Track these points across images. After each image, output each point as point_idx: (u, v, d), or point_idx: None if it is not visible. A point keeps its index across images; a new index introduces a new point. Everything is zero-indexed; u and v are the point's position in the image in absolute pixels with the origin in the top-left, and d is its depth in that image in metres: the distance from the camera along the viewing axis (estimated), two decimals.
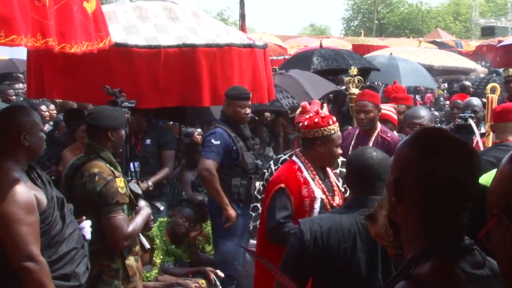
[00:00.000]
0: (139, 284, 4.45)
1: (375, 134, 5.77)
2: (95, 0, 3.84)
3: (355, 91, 6.79)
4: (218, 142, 5.84)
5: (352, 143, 5.76)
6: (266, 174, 5.52)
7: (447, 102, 14.97)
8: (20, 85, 11.57)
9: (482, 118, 7.32)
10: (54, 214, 3.52)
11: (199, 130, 8.53)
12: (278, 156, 5.85)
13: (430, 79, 13.13)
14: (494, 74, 15.96)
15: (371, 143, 5.57)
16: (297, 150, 4.59)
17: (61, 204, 3.62)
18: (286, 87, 8.81)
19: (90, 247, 3.85)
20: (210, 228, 6.26)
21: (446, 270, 1.65)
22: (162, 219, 5.98)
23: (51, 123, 9.23)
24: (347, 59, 10.43)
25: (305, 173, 4.27)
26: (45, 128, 7.65)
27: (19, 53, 10.16)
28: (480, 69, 16.22)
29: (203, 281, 5.62)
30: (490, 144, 5.82)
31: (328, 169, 4.50)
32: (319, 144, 4.29)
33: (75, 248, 3.62)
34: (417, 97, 15.91)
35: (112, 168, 4.20)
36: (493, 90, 6.65)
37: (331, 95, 10.24)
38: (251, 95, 6.03)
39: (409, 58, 13.59)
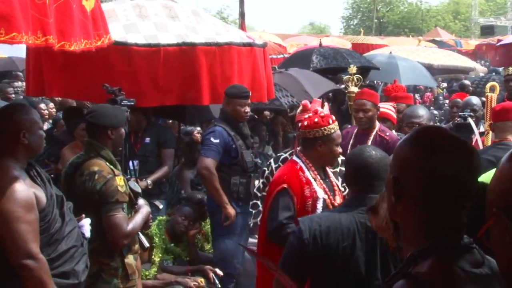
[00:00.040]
0: (138, 283, 4.46)
1: (374, 133, 5.77)
2: None
3: (354, 89, 6.80)
4: (218, 141, 5.84)
5: (351, 142, 5.75)
6: (267, 172, 5.52)
7: (447, 101, 14.98)
8: (20, 83, 11.57)
9: (481, 117, 7.32)
10: (53, 212, 3.52)
11: (198, 128, 8.53)
12: (279, 154, 5.84)
13: (429, 78, 13.14)
14: (494, 73, 15.95)
15: (369, 142, 5.55)
16: (297, 150, 4.57)
17: (60, 202, 3.63)
18: (285, 85, 8.81)
19: (90, 245, 3.85)
20: (209, 226, 6.26)
21: (445, 268, 1.66)
22: (161, 217, 5.98)
23: (51, 121, 9.24)
24: (346, 58, 10.44)
25: (307, 173, 4.24)
26: (44, 127, 7.66)
27: (19, 51, 10.15)
28: (479, 68, 16.23)
29: (202, 279, 5.62)
30: (489, 143, 5.82)
31: (327, 169, 4.50)
32: (320, 144, 4.28)
33: (74, 246, 3.62)
34: (417, 96, 15.91)
35: (112, 167, 4.20)
36: (492, 89, 6.65)
37: (330, 94, 10.24)
38: (250, 94, 6.03)
39: (409, 57, 13.59)
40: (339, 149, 4.39)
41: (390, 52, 13.70)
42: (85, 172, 4.15)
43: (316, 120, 4.29)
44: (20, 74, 12.28)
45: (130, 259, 4.28)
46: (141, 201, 4.47)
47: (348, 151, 5.10)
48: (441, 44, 26.02)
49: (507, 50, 15.68)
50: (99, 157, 4.21)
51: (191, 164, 7.24)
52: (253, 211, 5.60)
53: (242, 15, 21.36)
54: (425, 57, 14.56)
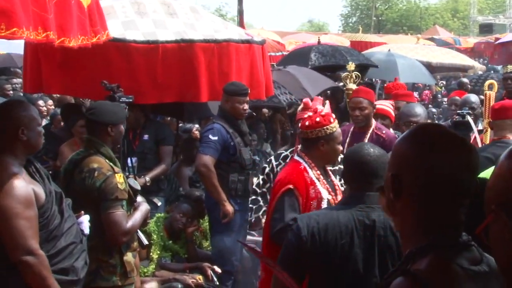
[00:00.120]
0: (136, 280, 4.46)
1: (370, 131, 5.75)
2: None
3: (353, 86, 6.78)
4: (216, 138, 5.84)
5: (347, 140, 5.73)
6: (267, 169, 5.51)
7: (445, 99, 15.00)
8: (18, 80, 11.54)
9: (479, 115, 7.32)
10: (52, 209, 3.52)
11: (197, 125, 8.53)
12: (279, 152, 5.84)
13: (428, 75, 13.15)
14: (492, 71, 15.99)
15: (366, 140, 5.53)
16: (298, 149, 4.54)
17: (59, 198, 3.63)
18: (284, 83, 8.82)
19: (89, 242, 3.85)
20: (207, 223, 6.26)
21: (443, 266, 1.66)
22: (159, 214, 5.98)
23: (49, 118, 9.22)
24: (345, 56, 10.45)
25: (311, 173, 4.22)
26: (42, 123, 7.64)
27: (17, 48, 10.13)
28: (478, 66, 16.24)
29: (200, 276, 5.62)
30: (488, 141, 5.82)
31: (327, 168, 4.48)
32: (322, 143, 4.24)
33: (73, 243, 3.62)
34: (415, 94, 15.91)
35: (111, 164, 4.20)
36: (490, 87, 6.65)
37: (328, 92, 10.24)
38: (249, 91, 6.03)
39: (407, 55, 13.60)
40: (341, 147, 4.37)
41: (389, 50, 13.70)
42: (85, 169, 4.14)
43: (317, 119, 4.25)
44: (19, 70, 12.26)
45: (129, 256, 4.28)
46: (139, 199, 4.47)
47: (345, 150, 5.09)
48: (439, 42, 26.03)
49: (506, 48, 15.70)
50: (98, 154, 4.21)
51: (189, 161, 7.24)
52: (254, 207, 5.58)
53: (240, 12, 21.35)
54: (423, 55, 14.57)
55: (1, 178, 3.35)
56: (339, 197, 4.26)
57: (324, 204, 4.12)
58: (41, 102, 9.51)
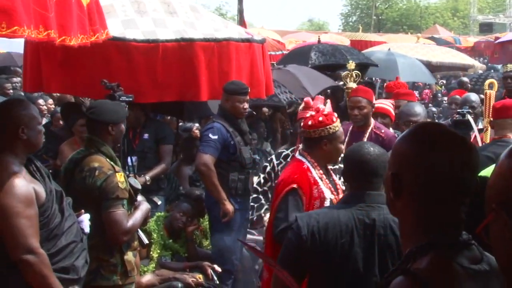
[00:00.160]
0: (137, 279, 4.46)
1: (369, 130, 5.74)
2: None
3: (353, 85, 6.77)
4: (216, 137, 5.84)
5: (346, 139, 5.71)
6: (268, 167, 5.51)
7: (445, 98, 14.99)
8: (18, 79, 11.55)
9: (480, 114, 7.32)
10: (53, 207, 3.52)
11: (197, 124, 8.52)
12: (280, 151, 5.83)
13: (428, 74, 13.14)
14: (492, 70, 15.98)
15: (365, 139, 5.52)
16: (300, 148, 4.53)
17: (60, 197, 3.63)
18: (284, 82, 8.82)
19: (89, 241, 3.85)
20: (207, 222, 6.26)
21: (444, 265, 1.66)
22: (159, 213, 5.98)
23: (49, 116, 9.22)
24: (345, 55, 10.44)
25: (314, 173, 4.20)
26: (42, 122, 7.64)
27: (18, 46, 10.12)
28: (478, 65, 16.24)
29: (200, 275, 5.61)
30: (488, 140, 5.82)
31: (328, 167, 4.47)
32: (325, 143, 4.23)
33: (74, 242, 3.62)
34: (415, 93, 15.91)
35: (112, 163, 4.19)
36: (490, 86, 6.65)
37: (328, 91, 10.24)
38: (249, 90, 6.03)
39: (407, 54, 13.60)
40: (343, 147, 4.36)
41: (389, 49, 13.70)
42: (85, 168, 4.14)
43: (320, 119, 4.24)
44: (19, 69, 12.25)
45: (129, 255, 4.28)
46: (139, 198, 4.47)
47: (344, 149, 5.08)
48: (439, 41, 26.02)
49: (506, 48, 15.70)
50: (99, 153, 4.20)
51: (189, 160, 7.24)
52: (255, 205, 5.57)
53: (240, 11, 21.32)
54: (423, 54, 14.56)
55: (2, 177, 3.35)
56: (341, 197, 4.24)
57: (327, 204, 4.10)
58: (41, 101, 9.51)
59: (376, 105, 6.45)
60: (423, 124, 2.05)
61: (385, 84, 13.10)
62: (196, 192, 6.24)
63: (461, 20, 58.75)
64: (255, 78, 6.52)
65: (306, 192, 4.11)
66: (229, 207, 5.82)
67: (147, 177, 6.19)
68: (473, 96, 7.80)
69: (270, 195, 5.47)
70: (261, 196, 5.52)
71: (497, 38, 22.36)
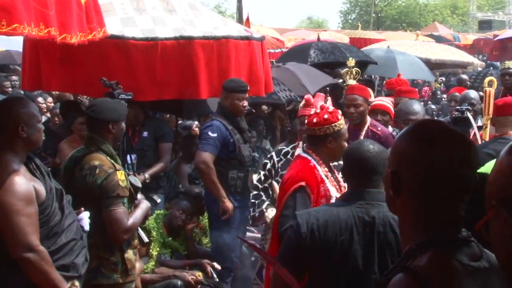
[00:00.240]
0: (137, 278, 4.46)
1: (365, 128, 5.74)
2: None
3: (353, 83, 6.77)
4: (215, 135, 5.84)
5: None
6: (269, 165, 5.49)
7: (444, 96, 14.99)
8: (17, 77, 11.54)
9: (479, 111, 7.32)
10: (53, 205, 3.52)
11: (196, 122, 8.52)
12: (280, 148, 5.82)
13: (427, 72, 13.13)
14: (491, 68, 15.98)
15: (361, 137, 5.52)
16: (304, 146, 4.50)
17: (60, 195, 3.63)
18: (283, 80, 8.81)
19: (89, 239, 3.85)
20: (207, 220, 6.26)
21: (443, 262, 1.66)
22: (159, 211, 5.98)
23: (48, 115, 9.21)
24: (344, 52, 10.42)
25: (320, 171, 4.18)
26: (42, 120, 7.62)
27: (17, 45, 10.12)
28: (477, 63, 16.22)
29: (200, 273, 5.62)
30: (487, 137, 5.83)
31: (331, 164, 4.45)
32: (330, 140, 4.21)
33: (74, 239, 3.63)
34: None
35: (112, 161, 4.19)
36: (490, 84, 6.65)
37: (328, 88, 10.23)
38: (248, 88, 6.03)
39: (407, 51, 13.57)
40: (346, 144, 4.35)
41: (388, 47, 13.68)
42: (86, 167, 4.14)
43: (326, 116, 4.21)
44: (18, 68, 12.25)
45: (129, 254, 4.28)
46: (138, 196, 4.47)
47: None
48: (439, 39, 26.02)
49: (505, 45, 15.70)
50: (99, 152, 4.20)
51: (189, 158, 7.24)
52: (256, 201, 5.56)
53: (240, 9, 21.32)
54: (423, 51, 14.54)
55: (2, 175, 3.35)
56: None
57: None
58: (40, 99, 9.50)
59: (375, 102, 6.45)
60: (423, 121, 2.05)
61: (384, 81, 13.11)
62: (195, 190, 6.25)
63: (460, 17, 58.72)
64: (254, 76, 6.52)
65: (314, 190, 4.09)
66: (229, 204, 5.82)
67: (147, 175, 6.19)
68: (473, 93, 7.80)
69: (270, 192, 5.47)
70: (262, 193, 5.51)
71: (496, 35, 22.36)
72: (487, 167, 1.76)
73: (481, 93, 7.61)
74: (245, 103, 6.03)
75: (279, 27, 32.50)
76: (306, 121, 4.44)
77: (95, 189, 4.08)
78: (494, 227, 1.40)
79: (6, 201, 3.31)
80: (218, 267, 5.79)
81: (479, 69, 15.60)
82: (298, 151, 5.14)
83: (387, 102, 6.49)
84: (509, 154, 1.43)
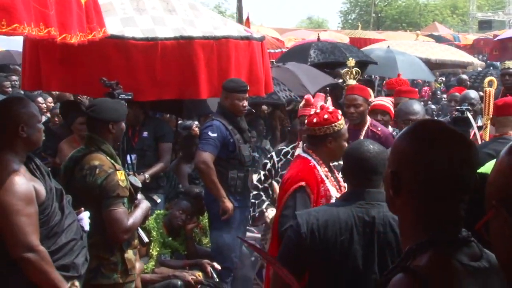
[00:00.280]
0: (136, 278, 4.46)
1: (365, 128, 5.73)
2: None
3: (353, 83, 6.76)
4: (215, 135, 5.84)
5: None
6: (269, 164, 5.49)
7: (444, 96, 14.99)
8: (17, 77, 11.54)
9: (479, 111, 7.32)
10: (53, 205, 3.52)
11: (196, 122, 8.52)
12: (280, 148, 5.82)
13: (427, 72, 13.13)
14: (491, 68, 15.97)
15: (361, 137, 5.51)
16: (304, 146, 4.50)
17: (60, 195, 3.63)
18: (283, 80, 8.81)
19: (89, 239, 3.85)
20: (207, 220, 6.26)
21: (443, 262, 1.66)
22: (159, 211, 5.98)
23: (48, 115, 9.22)
24: (344, 52, 10.42)
25: (320, 171, 4.18)
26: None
27: (17, 45, 10.12)
28: (477, 63, 16.22)
29: (200, 273, 5.62)
30: (487, 137, 5.83)
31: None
32: (330, 140, 4.21)
33: (74, 239, 3.63)
34: None
35: (112, 161, 4.19)
36: (490, 84, 6.65)
37: (328, 88, 10.23)
38: (248, 88, 6.03)
39: (407, 51, 13.56)
40: (346, 144, 4.34)
41: (388, 47, 13.68)
42: (86, 167, 4.14)
43: (326, 116, 4.21)
44: (18, 68, 12.25)
45: (129, 254, 4.28)
46: (138, 196, 4.47)
47: None
48: (439, 39, 26.01)
49: (505, 45, 15.70)
50: (99, 152, 4.20)
51: (189, 158, 7.24)
52: (256, 201, 5.56)
53: (239, 9, 21.32)
54: (422, 51, 14.53)
55: (2, 175, 3.35)
56: None
57: None
58: (40, 99, 9.50)
59: (375, 102, 6.45)
60: (423, 121, 2.05)
61: (384, 81, 13.10)
62: (195, 190, 6.25)
63: (460, 17, 58.71)
64: (254, 76, 6.52)
65: (314, 190, 4.08)
66: (229, 204, 5.82)
67: (147, 175, 6.19)
68: (473, 93, 7.80)
69: (270, 192, 5.47)
70: (262, 193, 5.51)
71: (496, 35, 22.36)
72: (487, 167, 1.76)
73: (481, 93, 7.61)
74: (245, 103, 6.03)
75: (279, 27, 32.51)
76: (306, 121, 4.43)
77: (95, 189, 4.08)
78: (494, 227, 1.40)
79: (6, 201, 3.31)
80: (218, 267, 5.79)
81: (479, 69, 15.60)
82: (298, 151, 5.13)
83: (387, 102, 6.49)
84: (509, 154, 1.43)
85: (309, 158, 4.24)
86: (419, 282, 1.60)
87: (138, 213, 4.31)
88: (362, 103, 5.73)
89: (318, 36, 13.16)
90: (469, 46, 26.62)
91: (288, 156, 5.35)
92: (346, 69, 7.05)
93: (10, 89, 10.56)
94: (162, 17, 6.26)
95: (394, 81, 8.80)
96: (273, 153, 5.66)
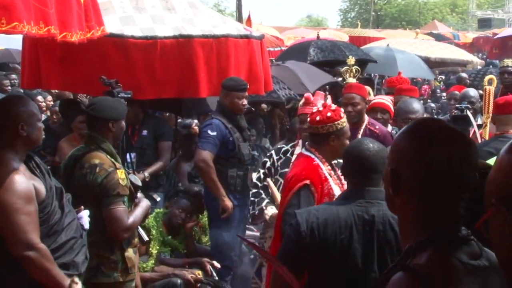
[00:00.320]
0: (136, 276, 4.46)
1: (363, 126, 5.72)
2: None
3: (353, 81, 6.74)
4: (215, 133, 5.84)
5: None
6: (268, 163, 5.48)
7: (444, 94, 14.98)
8: (16, 76, 11.53)
9: (479, 110, 7.31)
10: (53, 204, 3.52)
11: (196, 121, 8.52)
12: (280, 146, 5.82)
13: (427, 70, 13.12)
14: (491, 66, 15.96)
15: (359, 136, 5.50)
16: (306, 144, 4.49)
17: (59, 193, 3.63)
18: (282, 78, 8.81)
19: (89, 238, 3.86)
20: (206, 219, 6.26)
21: (443, 260, 1.66)
22: (158, 210, 5.98)
23: (48, 113, 9.21)
24: (344, 51, 10.42)
25: (324, 169, 4.16)
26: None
27: (16, 43, 10.11)
28: (476, 61, 16.21)
29: (200, 271, 5.62)
30: (487, 136, 5.83)
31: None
32: (333, 139, 4.21)
33: (74, 238, 3.63)
34: None
35: (112, 160, 4.19)
36: (490, 82, 6.65)
37: (327, 87, 10.22)
38: (248, 86, 6.03)
39: (406, 49, 13.55)
40: (348, 142, 4.33)
41: (388, 45, 13.66)
42: (86, 165, 4.14)
43: (329, 114, 4.20)
44: (18, 66, 12.23)
45: (130, 252, 4.28)
46: (138, 195, 4.47)
47: None
48: (438, 37, 25.98)
49: (505, 43, 15.70)
50: (99, 150, 4.20)
51: (188, 157, 7.24)
52: (256, 199, 5.55)
53: (239, 7, 21.31)
54: (422, 50, 14.52)
55: (2, 174, 3.35)
56: None
57: None
58: (40, 98, 9.49)
59: (375, 101, 6.45)
60: (422, 120, 2.05)
61: (383, 80, 13.09)
62: (195, 189, 6.25)
63: (459, 15, 58.72)
64: (254, 74, 6.52)
65: (318, 188, 4.07)
66: (228, 203, 5.83)
67: (146, 174, 6.19)
68: (472, 92, 7.80)
69: (270, 190, 5.46)
70: (261, 191, 5.51)
71: (495, 34, 22.36)
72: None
73: (480, 92, 7.60)
74: (245, 102, 6.03)
75: (278, 26, 32.46)
76: (308, 119, 4.42)
77: (95, 188, 4.08)
78: (493, 226, 1.40)
79: (6, 199, 3.32)
80: (218, 265, 5.79)
81: (479, 67, 15.58)
82: (298, 149, 5.13)
83: (387, 100, 6.48)
84: (509, 152, 1.43)
85: (312, 156, 4.22)
86: (418, 281, 1.60)
87: (138, 212, 4.31)
88: (360, 102, 5.71)
89: (318, 35, 13.14)
90: (469, 45, 26.59)
91: (288, 155, 5.34)
92: (346, 67, 7.02)
93: (9, 87, 10.56)
94: (161, 16, 6.26)
95: (395, 79, 8.79)
96: (273, 152, 5.65)
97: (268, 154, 5.88)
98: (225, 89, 5.95)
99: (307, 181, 4.07)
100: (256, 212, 5.59)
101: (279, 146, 5.88)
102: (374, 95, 7.52)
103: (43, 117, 8.36)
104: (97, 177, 4.08)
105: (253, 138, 7.53)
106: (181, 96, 6.58)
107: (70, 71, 5.95)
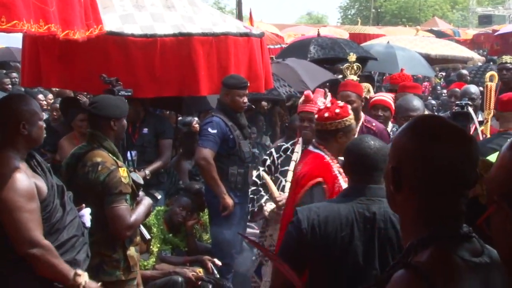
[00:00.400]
0: (138, 274, 4.46)
1: (360, 124, 5.70)
2: None
3: (354, 78, 6.72)
4: (215, 131, 5.84)
5: None
6: (268, 161, 5.47)
7: (444, 91, 14.97)
8: (18, 74, 11.53)
9: (479, 106, 7.31)
10: (54, 202, 3.53)
11: (196, 119, 8.52)
12: (280, 144, 5.80)
13: (427, 67, 13.10)
14: (491, 63, 15.95)
15: (356, 133, 5.49)
16: (314, 141, 4.46)
17: (61, 192, 3.63)
18: (283, 76, 8.81)
19: (91, 236, 3.86)
20: (207, 217, 6.27)
21: (444, 258, 1.66)
22: (159, 208, 5.98)
23: (49, 110, 9.21)
24: (344, 48, 10.41)
25: (334, 167, 4.13)
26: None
27: (17, 42, 10.10)
28: (477, 58, 16.19)
29: (201, 269, 5.62)
30: (488, 132, 5.83)
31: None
32: (341, 135, 4.18)
33: (75, 236, 3.63)
34: None
35: (114, 158, 4.19)
36: (491, 79, 6.64)
37: (327, 84, 10.21)
38: (248, 84, 6.02)
39: (406, 46, 13.54)
40: None
41: (388, 42, 13.65)
42: (88, 163, 4.14)
43: (337, 111, 4.17)
44: (18, 65, 12.22)
45: (132, 251, 4.28)
46: (140, 193, 4.47)
47: None
48: (439, 34, 25.96)
49: (506, 39, 15.69)
50: (101, 148, 4.20)
51: (189, 155, 7.24)
52: (255, 196, 5.54)
53: (239, 5, 21.29)
54: (422, 47, 14.51)
55: (3, 172, 3.36)
56: None
57: None
58: (41, 96, 9.50)
59: (376, 98, 6.44)
60: (423, 117, 2.05)
61: (384, 77, 13.08)
62: (195, 186, 6.25)
63: (460, 12, 58.67)
64: (254, 72, 6.51)
65: (330, 186, 4.03)
66: (229, 201, 5.83)
67: (147, 172, 6.19)
68: (473, 88, 7.79)
69: None
70: (260, 188, 5.50)
71: (495, 30, 22.33)
72: (492, 159, 1.76)
73: (481, 88, 7.60)
74: (245, 100, 6.03)
75: (278, 23, 32.46)
76: (316, 116, 4.37)
77: (97, 186, 4.08)
78: (495, 222, 1.40)
79: (8, 198, 3.32)
80: (219, 263, 5.79)
81: (479, 64, 15.56)
82: (298, 147, 5.12)
83: (388, 97, 6.47)
84: (510, 149, 1.42)
85: (322, 153, 4.18)
86: (420, 278, 1.60)
87: (141, 210, 4.31)
88: (356, 100, 5.67)
89: (318, 32, 13.13)
90: (469, 41, 26.57)
91: (288, 153, 5.33)
92: (347, 64, 7.00)
93: (10, 86, 10.55)
94: (161, 14, 6.25)
95: (397, 76, 8.76)
96: (273, 150, 5.63)
97: (268, 152, 5.87)
98: (226, 87, 5.95)
99: (320, 179, 4.03)
100: (255, 209, 5.59)
101: (279, 144, 5.87)
102: (375, 93, 7.51)
103: (44, 115, 8.37)
104: (99, 175, 4.08)
105: (254, 136, 7.53)
106: (181, 94, 6.57)
107: (70, 69, 5.95)
